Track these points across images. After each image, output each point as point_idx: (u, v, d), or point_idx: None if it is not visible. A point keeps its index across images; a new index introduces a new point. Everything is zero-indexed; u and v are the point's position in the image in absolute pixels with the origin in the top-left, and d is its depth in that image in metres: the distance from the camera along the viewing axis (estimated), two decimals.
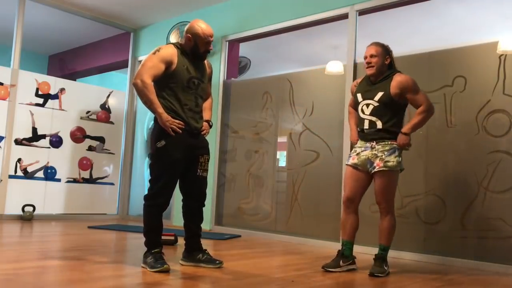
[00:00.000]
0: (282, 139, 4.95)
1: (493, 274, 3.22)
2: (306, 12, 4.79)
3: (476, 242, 3.48)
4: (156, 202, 2.79)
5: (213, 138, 5.46)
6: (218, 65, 5.58)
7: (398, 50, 4.23)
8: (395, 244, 3.84)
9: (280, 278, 2.72)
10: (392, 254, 3.80)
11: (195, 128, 2.87)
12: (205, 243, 4.17)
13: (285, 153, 4.94)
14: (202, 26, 2.88)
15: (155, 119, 2.81)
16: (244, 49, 6.30)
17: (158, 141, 2.77)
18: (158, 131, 2.78)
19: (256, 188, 5.06)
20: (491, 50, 3.56)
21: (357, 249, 3.64)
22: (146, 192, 2.87)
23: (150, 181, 2.84)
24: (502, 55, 3.51)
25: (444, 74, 3.78)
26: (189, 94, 2.85)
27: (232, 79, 5.58)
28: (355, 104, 3.17)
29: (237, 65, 5.96)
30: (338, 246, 3.96)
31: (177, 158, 2.78)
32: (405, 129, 2.98)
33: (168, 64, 2.78)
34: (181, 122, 2.78)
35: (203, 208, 3.01)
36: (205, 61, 3.03)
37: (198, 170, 2.91)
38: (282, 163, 5.03)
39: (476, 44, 3.68)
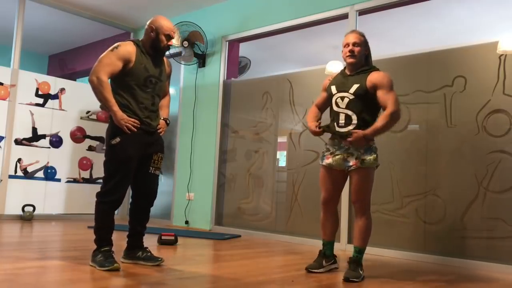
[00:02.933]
0: (282, 139, 4.95)
1: (493, 274, 3.22)
2: (306, 12, 4.80)
3: (476, 242, 3.48)
4: (108, 199, 2.73)
5: (213, 138, 5.47)
6: (218, 65, 5.58)
7: (398, 50, 4.25)
8: (395, 244, 3.85)
9: (280, 278, 2.72)
10: (392, 254, 3.81)
11: (150, 127, 2.85)
12: (205, 243, 4.18)
13: (285, 153, 4.94)
14: (165, 20, 2.88)
15: (110, 117, 2.77)
16: (244, 49, 6.30)
17: (112, 138, 2.73)
18: (112, 129, 2.74)
19: (256, 188, 5.06)
20: (491, 50, 3.56)
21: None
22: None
23: (103, 178, 2.79)
24: (502, 55, 3.51)
25: (444, 74, 3.78)
26: (145, 92, 2.82)
27: (232, 79, 5.58)
28: (328, 97, 3.01)
29: (237, 65, 5.96)
30: (338, 246, 3.97)
31: (131, 156, 2.75)
32: (368, 130, 2.78)
33: (126, 61, 2.74)
34: (136, 121, 2.75)
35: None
36: (165, 60, 3.00)
37: (151, 167, 2.88)
38: (282, 163, 5.03)
39: (476, 44, 3.68)
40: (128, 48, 2.78)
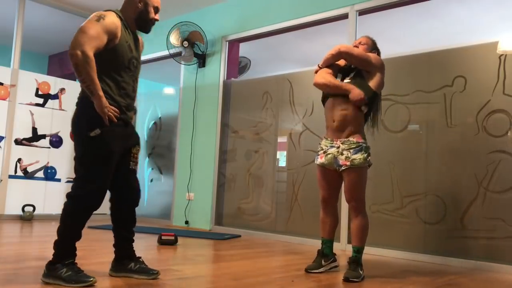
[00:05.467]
0: (282, 139, 4.95)
1: (493, 274, 3.22)
2: (306, 12, 4.80)
3: (476, 242, 3.48)
4: (88, 204, 2.33)
5: (213, 138, 5.47)
6: (218, 65, 5.58)
7: (398, 50, 4.25)
8: (395, 244, 3.85)
9: (280, 278, 2.72)
10: (392, 254, 3.80)
11: (129, 117, 2.46)
12: (205, 243, 4.18)
13: (285, 153, 4.94)
14: None
15: (82, 102, 2.33)
16: (244, 49, 6.30)
17: (91, 129, 2.28)
18: (90, 117, 2.28)
19: (256, 188, 5.06)
20: (491, 50, 3.56)
21: None
22: (70, 188, 2.38)
23: (79, 178, 2.35)
24: (502, 55, 3.51)
25: (444, 74, 3.78)
26: (128, 76, 2.42)
27: (232, 79, 5.58)
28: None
29: (237, 65, 5.96)
30: (338, 246, 3.97)
31: (114, 151, 2.35)
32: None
33: (112, 37, 2.31)
34: (117, 110, 2.34)
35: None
36: (140, 39, 2.60)
37: (130, 162, 2.48)
38: (282, 163, 5.03)
39: (476, 44, 3.68)
40: (115, 21, 2.34)
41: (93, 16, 2.29)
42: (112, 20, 2.33)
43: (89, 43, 2.18)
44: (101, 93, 2.24)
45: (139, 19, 2.48)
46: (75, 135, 2.37)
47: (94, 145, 2.30)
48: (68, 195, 2.35)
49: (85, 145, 2.31)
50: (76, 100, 2.39)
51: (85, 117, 2.31)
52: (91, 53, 2.18)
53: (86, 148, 2.31)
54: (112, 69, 2.36)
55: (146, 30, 2.55)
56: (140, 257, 2.52)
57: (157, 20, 2.53)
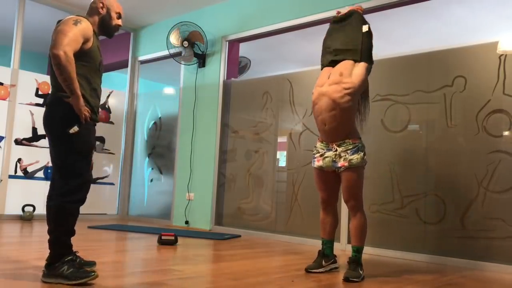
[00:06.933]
0: (282, 139, 4.95)
1: (493, 274, 3.22)
2: (306, 12, 4.80)
3: (476, 242, 3.48)
4: (77, 197, 2.38)
5: (213, 138, 5.47)
6: (218, 65, 5.58)
7: (398, 50, 4.25)
8: (395, 244, 3.85)
9: (280, 278, 2.72)
10: (392, 254, 3.80)
11: (98, 117, 2.55)
12: (205, 243, 4.18)
13: (285, 153, 4.94)
14: None
15: (58, 102, 2.36)
16: (244, 49, 6.30)
17: (69, 126, 2.33)
18: (68, 116, 2.33)
19: (256, 188, 5.06)
20: (491, 50, 3.57)
21: None
22: (55, 188, 2.39)
23: (63, 176, 2.37)
24: (502, 55, 3.51)
25: (444, 74, 3.78)
26: (98, 78, 2.53)
27: (232, 79, 5.58)
28: None
29: (237, 65, 5.96)
30: (338, 246, 3.97)
31: (93, 145, 2.48)
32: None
33: (85, 40, 2.39)
34: (89, 110, 2.41)
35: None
36: None
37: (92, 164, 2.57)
38: (282, 163, 5.03)
39: (476, 44, 3.68)
40: (88, 25, 2.43)
41: (69, 20, 2.38)
42: (87, 24, 2.43)
43: (69, 44, 2.28)
44: (79, 92, 2.32)
45: (102, 25, 2.58)
46: (54, 134, 2.39)
47: (75, 141, 2.36)
48: (53, 195, 2.36)
49: (66, 142, 2.36)
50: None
51: (61, 116, 2.36)
52: (72, 54, 2.28)
53: (68, 145, 2.36)
54: (86, 71, 2.43)
55: (110, 36, 2.66)
56: (77, 251, 2.49)
57: (120, 26, 2.63)
